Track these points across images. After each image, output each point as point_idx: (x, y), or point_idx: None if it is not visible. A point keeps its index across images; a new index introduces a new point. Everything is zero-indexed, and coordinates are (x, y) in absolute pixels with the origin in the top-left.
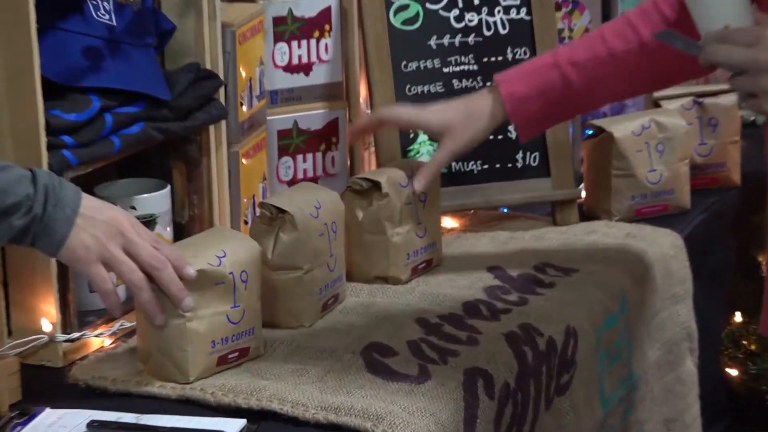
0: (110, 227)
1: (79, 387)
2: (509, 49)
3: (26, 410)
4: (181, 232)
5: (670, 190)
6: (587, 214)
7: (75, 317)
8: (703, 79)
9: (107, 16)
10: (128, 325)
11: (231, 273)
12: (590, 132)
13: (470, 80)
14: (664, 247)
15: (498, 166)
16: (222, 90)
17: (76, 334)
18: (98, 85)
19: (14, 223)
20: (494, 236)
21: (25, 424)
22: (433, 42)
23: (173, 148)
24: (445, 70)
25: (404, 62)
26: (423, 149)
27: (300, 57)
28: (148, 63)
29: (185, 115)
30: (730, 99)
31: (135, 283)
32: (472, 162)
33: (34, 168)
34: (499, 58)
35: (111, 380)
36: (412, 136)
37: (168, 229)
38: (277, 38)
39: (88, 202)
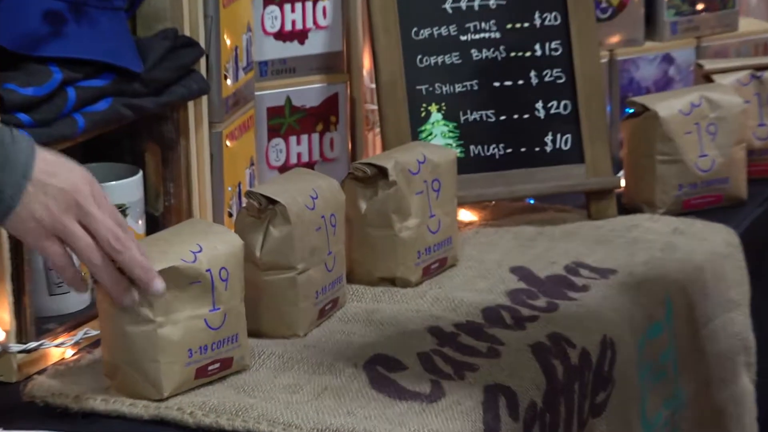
0: (66, 196)
1: (37, 405)
2: (537, 14)
3: None
4: (154, 226)
5: (723, 178)
6: (627, 206)
7: (32, 324)
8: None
9: None
10: (93, 333)
11: (208, 270)
12: (631, 110)
13: (491, 50)
14: (716, 245)
15: (523, 150)
16: (203, 60)
17: (32, 344)
18: (60, 55)
19: None
20: (519, 232)
21: None
22: (448, 5)
23: (146, 127)
24: (463, 38)
25: (415, 29)
26: (436, 130)
27: (294, 22)
28: (118, 29)
29: (160, 90)
30: None
31: (93, 261)
32: (494, 145)
33: None
34: (525, 25)
35: (73, 398)
36: (424, 114)
37: (140, 222)
38: (268, 0)
39: (43, 162)
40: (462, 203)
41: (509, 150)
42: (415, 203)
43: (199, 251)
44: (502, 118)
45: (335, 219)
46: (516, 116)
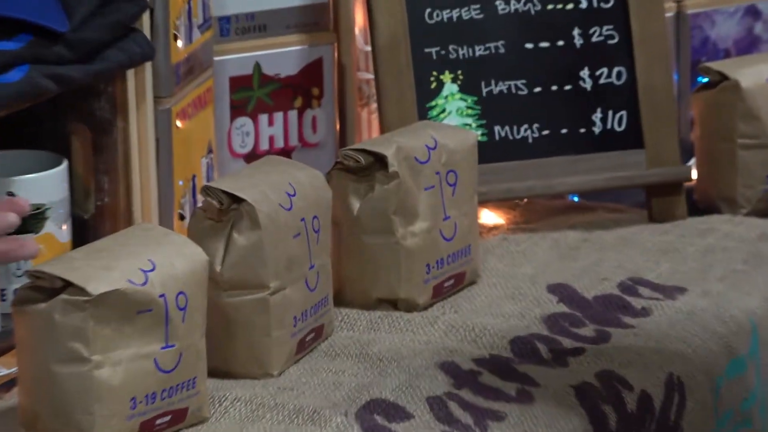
0: None
1: None
2: None
3: None
4: (83, 232)
5: None
6: (700, 204)
7: None
8: None
9: None
10: (5, 372)
11: (162, 296)
12: (705, 80)
13: (522, 1)
14: None
15: (564, 131)
16: (146, 16)
17: None
18: None
19: None
20: (559, 239)
21: None
22: None
23: (73, 104)
24: None
25: None
26: (450, 106)
27: None
28: None
29: (90, 55)
30: None
31: None
32: (525, 126)
33: None
34: None
35: None
36: (434, 85)
37: (64, 227)
38: None
39: None
40: (484, 201)
41: (546, 132)
42: (424, 201)
43: (152, 270)
44: (537, 90)
45: (319, 222)
46: (555, 88)
